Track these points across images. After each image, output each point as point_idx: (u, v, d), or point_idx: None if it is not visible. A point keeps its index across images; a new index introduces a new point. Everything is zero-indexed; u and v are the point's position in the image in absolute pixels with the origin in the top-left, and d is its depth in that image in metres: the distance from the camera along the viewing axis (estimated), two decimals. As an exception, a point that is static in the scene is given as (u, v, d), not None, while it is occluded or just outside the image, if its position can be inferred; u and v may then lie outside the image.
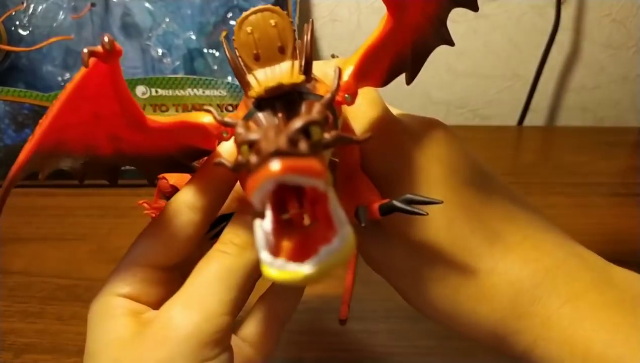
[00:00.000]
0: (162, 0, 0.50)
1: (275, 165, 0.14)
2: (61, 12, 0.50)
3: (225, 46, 0.19)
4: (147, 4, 0.50)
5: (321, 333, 0.34)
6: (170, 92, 0.48)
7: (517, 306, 0.21)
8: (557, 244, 0.23)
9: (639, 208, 0.46)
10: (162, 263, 0.22)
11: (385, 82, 0.23)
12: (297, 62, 0.19)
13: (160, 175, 0.38)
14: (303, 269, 0.14)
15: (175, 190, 0.38)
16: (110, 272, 0.22)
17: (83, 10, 0.50)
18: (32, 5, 0.50)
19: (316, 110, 0.16)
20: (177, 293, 0.20)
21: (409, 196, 0.21)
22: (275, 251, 0.15)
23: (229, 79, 0.49)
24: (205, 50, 0.51)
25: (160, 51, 0.50)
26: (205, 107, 0.20)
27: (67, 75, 0.51)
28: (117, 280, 0.22)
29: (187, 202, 0.22)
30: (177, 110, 0.48)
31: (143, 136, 0.20)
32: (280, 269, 0.15)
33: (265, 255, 0.15)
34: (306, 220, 0.17)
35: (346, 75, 0.20)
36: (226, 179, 0.22)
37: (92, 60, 0.17)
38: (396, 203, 0.21)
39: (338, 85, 0.18)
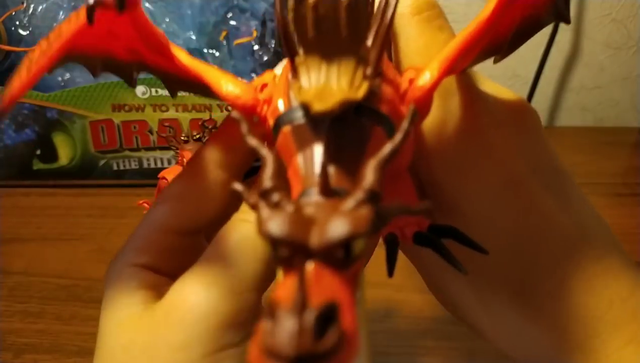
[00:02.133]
0: (162, 0, 0.50)
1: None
2: (61, 12, 0.50)
3: (277, 8, 0.14)
4: (147, 4, 0.50)
5: None
6: (170, 92, 0.48)
7: (573, 336, 0.19)
8: (624, 270, 0.20)
9: (639, 208, 0.46)
10: (186, 227, 0.19)
11: (466, 68, 0.19)
12: (362, 69, 0.14)
13: (161, 175, 0.38)
14: None
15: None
16: (126, 239, 0.20)
17: (83, 10, 0.50)
18: (32, 5, 0.50)
19: (359, 206, 0.12)
20: (192, 267, 0.18)
21: (454, 228, 0.18)
22: None
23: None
24: (205, 50, 0.51)
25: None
26: (233, 114, 0.15)
27: (67, 76, 0.51)
28: (133, 248, 0.19)
29: (214, 159, 0.19)
30: (177, 111, 0.48)
31: (164, 60, 0.18)
32: None
33: None
34: None
35: (424, 80, 0.16)
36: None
37: (99, 11, 0.15)
38: (435, 237, 0.18)
39: (406, 133, 0.13)
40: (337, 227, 0.12)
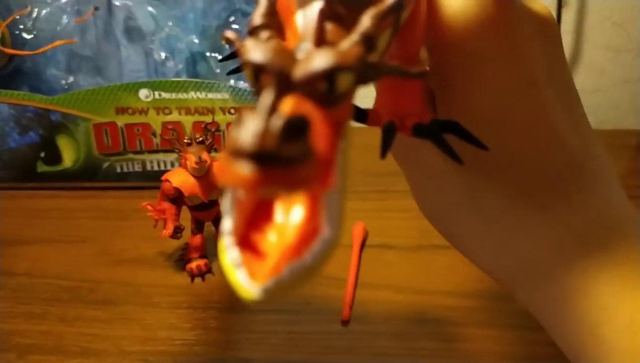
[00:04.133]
0: (165, 4, 0.50)
1: (245, 172, 0.11)
2: (65, 16, 0.50)
3: None
4: (150, 8, 0.50)
5: (323, 334, 0.34)
6: (174, 95, 0.48)
7: (557, 251, 0.19)
8: (620, 201, 0.21)
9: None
10: None
11: None
12: None
13: (164, 178, 0.38)
14: (251, 292, 0.11)
15: (178, 192, 0.38)
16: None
17: (86, 14, 0.50)
18: (36, 10, 0.50)
19: (351, 45, 0.12)
20: None
21: (457, 123, 0.17)
22: (242, 240, 0.12)
23: (232, 82, 0.50)
24: (207, 54, 0.51)
25: (163, 55, 0.51)
26: None
27: (71, 79, 0.51)
28: None
29: None
30: (180, 114, 0.49)
31: None
32: (233, 268, 0.12)
33: (227, 239, 0.12)
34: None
35: None
36: None
37: None
38: (435, 130, 0.17)
39: None
40: (322, 58, 0.12)
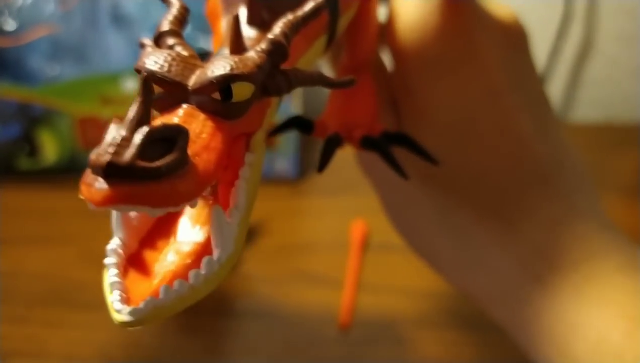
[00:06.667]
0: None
1: (100, 188, 0.10)
2: (49, 4, 0.48)
3: None
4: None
5: (322, 342, 0.32)
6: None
7: (531, 268, 0.19)
8: (589, 212, 0.20)
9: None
10: None
11: None
12: None
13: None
14: (120, 314, 0.11)
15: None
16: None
17: (71, 1, 0.48)
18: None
19: (255, 53, 0.12)
20: None
21: (408, 136, 0.17)
22: (132, 259, 0.12)
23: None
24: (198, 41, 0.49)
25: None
26: None
27: (55, 68, 0.49)
28: None
29: None
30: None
31: None
32: (109, 288, 0.12)
33: (109, 259, 0.12)
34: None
35: None
36: None
37: None
38: (384, 143, 0.16)
39: None
40: (217, 67, 0.11)
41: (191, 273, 0.11)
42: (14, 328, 0.34)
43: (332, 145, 0.17)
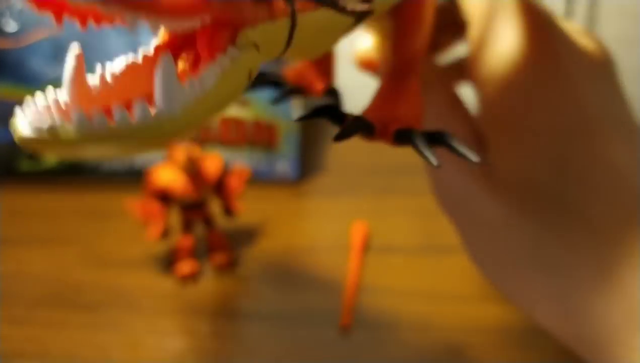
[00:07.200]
0: None
1: None
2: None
3: None
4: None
5: (322, 343, 0.32)
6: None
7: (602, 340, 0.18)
8: None
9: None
10: None
11: None
12: None
13: (150, 172, 0.37)
14: (20, 127, 0.10)
15: (165, 191, 0.36)
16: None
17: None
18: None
19: None
20: None
21: (445, 133, 0.15)
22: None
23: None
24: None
25: (152, 45, 0.49)
26: None
27: (57, 69, 0.49)
28: None
29: None
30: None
31: None
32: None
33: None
34: None
35: None
36: None
37: None
38: (419, 137, 0.15)
39: None
40: None
41: (117, 109, 0.10)
42: (15, 329, 0.34)
43: (360, 125, 0.15)
